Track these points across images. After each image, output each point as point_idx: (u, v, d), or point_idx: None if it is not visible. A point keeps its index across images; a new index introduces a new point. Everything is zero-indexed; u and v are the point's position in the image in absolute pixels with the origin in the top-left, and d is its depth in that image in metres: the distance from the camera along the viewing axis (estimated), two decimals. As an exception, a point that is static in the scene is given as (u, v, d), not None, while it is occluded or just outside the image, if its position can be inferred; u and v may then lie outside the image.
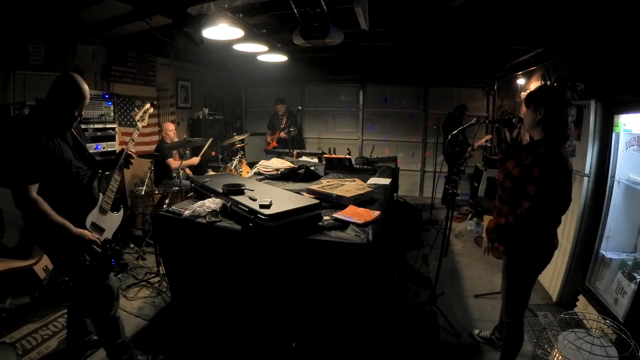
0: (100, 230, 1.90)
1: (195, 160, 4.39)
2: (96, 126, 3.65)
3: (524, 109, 1.92)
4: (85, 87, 1.82)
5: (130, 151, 2.10)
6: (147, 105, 2.42)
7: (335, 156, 4.19)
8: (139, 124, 2.33)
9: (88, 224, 1.83)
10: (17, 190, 1.65)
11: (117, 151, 3.92)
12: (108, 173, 2.06)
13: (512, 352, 2.00)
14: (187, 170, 4.45)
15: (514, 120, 2.04)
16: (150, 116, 4.85)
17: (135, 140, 2.20)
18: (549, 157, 1.70)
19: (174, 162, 4.13)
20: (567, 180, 1.73)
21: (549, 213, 1.73)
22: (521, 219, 1.71)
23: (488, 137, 5.43)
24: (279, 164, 3.63)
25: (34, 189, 1.65)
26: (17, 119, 1.70)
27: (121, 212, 2.09)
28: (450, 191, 2.77)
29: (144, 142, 4.70)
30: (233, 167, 4.63)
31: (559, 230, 1.91)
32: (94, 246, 1.77)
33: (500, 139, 2.14)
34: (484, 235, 2.01)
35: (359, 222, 2.14)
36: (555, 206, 1.73)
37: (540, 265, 1.90)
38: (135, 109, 2.42)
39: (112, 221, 1.99)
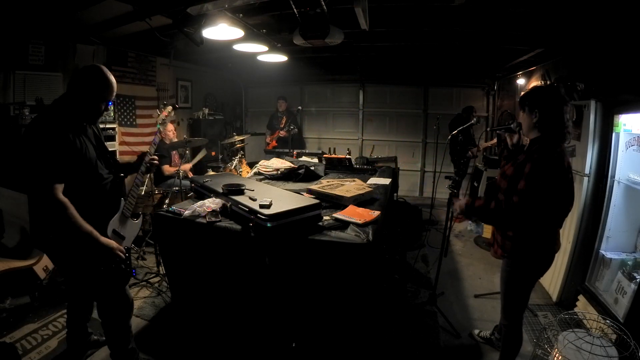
0: (120, 238, 1.81)
1: (187, 166, 4.35)
2: (96, 126, 3.65)
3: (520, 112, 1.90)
4: (113, 78, 1.72)
5: (153, 156, 2.02)
6: (169, 108, 2.33)
7: (335, 156, 4.19)
8: (161, 127, 2.24)
9: (109, 231, 1.74)
10: (43, 190, 1.50)
11: (117, 151, 3.96)
12: (128, 177, 1.99)
13: (510, 354, 1.99)
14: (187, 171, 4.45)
15: (512, 125, 2.01)
16: (151, 116, 4.88)
17: (157, 143, 2.12)
18: (540, 153, 1.66)
19: (168, 169, 4.15)
20: (562, 179, 1.66)
21: (540, 211, 1.65)
22: (511, 209, 1.66)
23: (493, 141, 5.42)
24: (279, 164, 3.63)
25: (60, 190, 1.51)
26: (41, 110, 1.54)
27: (140, 219, 2.01)
28: (450, 191, 2.76)
29: (144, 142, 4.70)
30: (233, 167, 4.63)
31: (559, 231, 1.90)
32: (120, 256, 1.70)
33: (500, 140, 2.12)
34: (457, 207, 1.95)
35: (359, 222, 2.14)
36: (548, 205, 1.65)
37: (540, 270, 1.86)
38: (157, 112, 2.35)
39: (132, 229, 1.93)
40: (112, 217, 1.78)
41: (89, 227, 1.58)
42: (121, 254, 1.71)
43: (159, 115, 2.28)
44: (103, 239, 1.65)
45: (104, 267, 1.68)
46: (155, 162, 2.04)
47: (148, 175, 2.01)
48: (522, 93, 2.03)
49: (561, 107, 1.70)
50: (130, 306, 1.96)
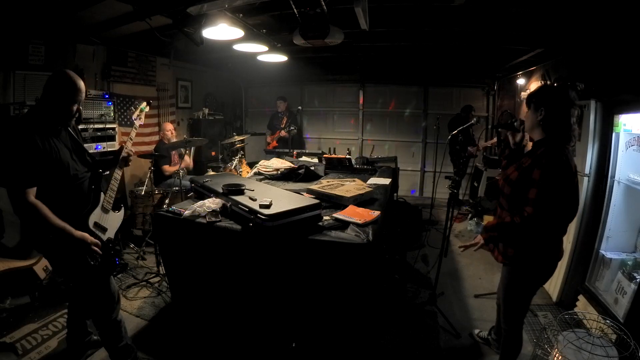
0: (103, 229, 1.90)
1: (189, 162, 4.38)
2: (96, 126, 3.65)
3: (524, 109, 1.88)
4: (80, 81, 1.78)
5: (128, 150, 2.10)
6: (144, 104, 2.43)
7: (335, 156, 4.19)
8: (136, 123, 2.32)
9: (91, 223, 1.82)
10: (15, 194, 1.61)
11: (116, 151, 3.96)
12: (107, 172, 2.06)
13: (510, 359, 1.96)
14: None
15: (516, 123, 1.98)
16: (151, 116, 4.88)
17: (133, 139, 2.20)
18: (549, 158, 1.61)
19: (168, 168, 4.17)
20: (570, 182, 1.62)
21: (553, 218, 1.63)
22: (527, 222, 1.62)
23: (493, 140, 5.43)
24: (279, 164, 3.63)
25: (32, 193, 1.61)
26: (15, 119, 1.68)
27: (122, 211, 2.09)
28: (450, 191, 2.76)
29: (144, 142, 4.70)
30: (233, 167, 4.63)
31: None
32: (96, 248, 1.76)
33: (500, 140, 2.10)
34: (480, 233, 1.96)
35: (359, 222, 2.14)
36: (559, 211, 1.62)
37: (543, 278, 1.82)
38: (132, 108, 2.41)
39: (114, 220, 2.00)
40: (92, 211, 1.85)
41: (61, 223, 1.66)
42: (96, 246, 1.76)
43: (133, 111, 2.36)
44: (76, 233, 1.70)
45: (84, 259, 1.74)
46: (130, 155, 2.11)
47: (123, 168, 2.09)
48: (530, 91, 1.99)
49: (568, 108, 1.66)
50: (112, 300, 1.96)
